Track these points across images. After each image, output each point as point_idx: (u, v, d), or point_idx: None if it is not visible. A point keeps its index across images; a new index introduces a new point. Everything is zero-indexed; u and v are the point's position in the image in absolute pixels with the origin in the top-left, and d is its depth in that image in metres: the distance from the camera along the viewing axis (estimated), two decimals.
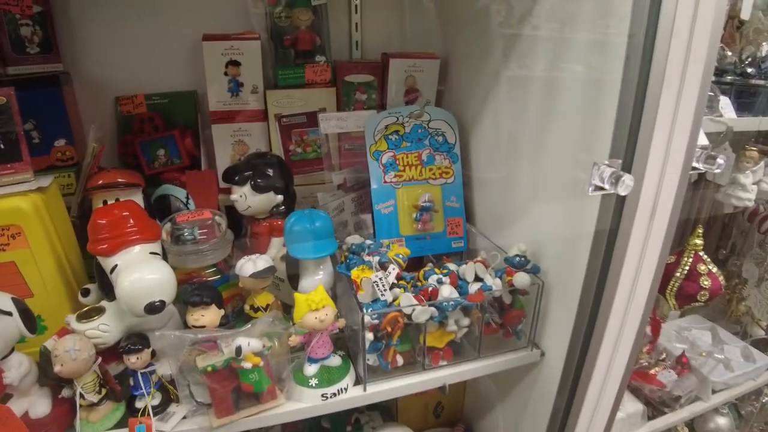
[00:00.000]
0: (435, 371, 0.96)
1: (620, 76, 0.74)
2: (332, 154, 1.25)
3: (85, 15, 1.15)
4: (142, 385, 0.82)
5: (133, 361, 0.81)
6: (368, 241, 1.06)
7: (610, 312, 0.86)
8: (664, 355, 1.35)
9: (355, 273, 0.92)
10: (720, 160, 0.76)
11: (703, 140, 0.80)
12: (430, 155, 1.18)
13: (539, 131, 0.99)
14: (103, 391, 0.82)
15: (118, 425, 0.83)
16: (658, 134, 0.74)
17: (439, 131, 1.19)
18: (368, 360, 0.91)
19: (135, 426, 0.80)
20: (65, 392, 0.81)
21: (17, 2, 1.06)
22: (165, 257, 0.88)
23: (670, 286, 1.12)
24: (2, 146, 0.87)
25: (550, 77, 0.95)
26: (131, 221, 0.84)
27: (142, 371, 0.83)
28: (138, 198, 1.02)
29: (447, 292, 0.90)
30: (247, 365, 0.79)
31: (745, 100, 1.09)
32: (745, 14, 0.94)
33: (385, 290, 0.88)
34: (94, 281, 0.94)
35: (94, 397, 0.80)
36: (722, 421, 1.49)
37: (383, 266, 0.95)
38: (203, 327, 0.84)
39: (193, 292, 0.85)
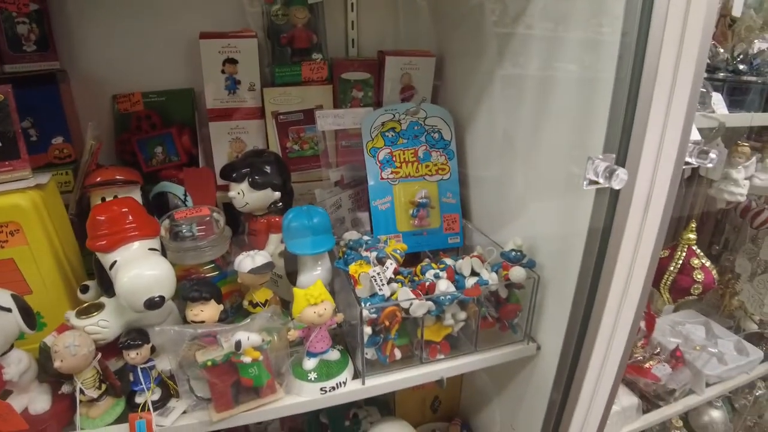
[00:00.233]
0: (432, 365, 0.97)
1: (613, 73, 0.76)
2: (329, 152, 1.26)
3: (81, 13, 1.15)
4: (141, 380, 0.83)
5: (132, 356, 0.81)
6: (365, 237, 1.07)
7: (604, 305, 0.87)
8: (658, 349, 1.37)
9: (353, 268, 0.93)
10: (712, 155, 0.78)
11: (695, 135, 0.81)
12: (426, 152, 1.19)
13: (534, 128, 1.00)
14: (103, 386, 0.82)
15: (118, 421, 0.83)
16: (651, 129, 0.75)
17: (435, 128, 1.20)
18: (366, 354, 0.92)
19: (135, 421, 0.80)
20: (65, 388, 0.81)
21: (14, 0, 1.07)
22: (164, 254, 0.88)
23: (663, 280, 1.13)
24: (0, 144, 0.87)
25: (544, 75, 0.96)
26: (130, 217, 0.84)
27: (141, 367, 0.83)
28: (136, 195, 1.02)
29: (444, 286, 0.91)
30: (247, 359, 0.80)
31: (737, 98, 1.11)
32: (736, 11, 0.95)
33: (382, 285, 0.89)
34: (93, 278, 0.95)
35: (94, 393, 0.80)
36: (716, 414, 1.51)
37: (381, 261, 0.96)
38: (203, 322, 0.84)
39: (192, 287, 0.85)
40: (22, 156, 0.90)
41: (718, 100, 0.99)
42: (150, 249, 0.84)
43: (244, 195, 1.04)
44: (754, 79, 1.07)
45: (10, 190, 0.86)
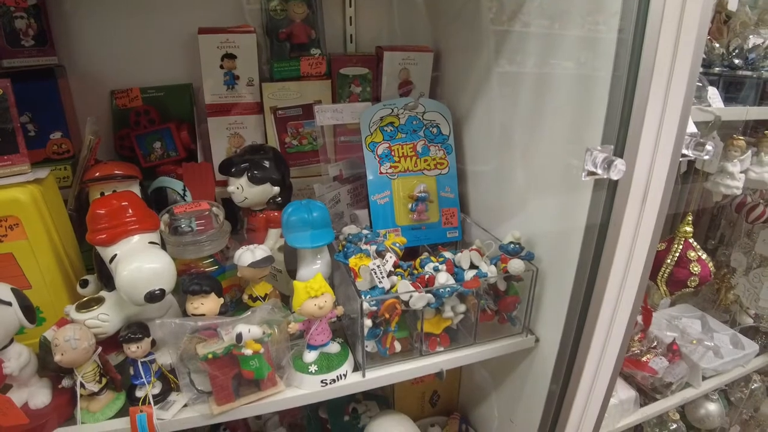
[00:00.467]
0: (432, 357, 0.97)
1: (611, 67, 0.76)
2: (328, 147, 1.26)
3: (80, 8, 1.15)
4: (142, 374, 0.83)
5: (133, 350, 0.81)
6: (365, 231, 1.07)
7: (603, 297, 0.87)
8: (655, 343, 1.37)
9: (353, 261, 0.93)
10: (708, 147, 0.78)
11: (692, 128, 0.81)
12: (424, 146, 1.19)
13: (532, 122, 1.00)
14: (104, 380, 0.82)
15: (119, 414, 0.83)
16: (648, 121, 0.76)
17: (433, 123, 1.20)
18: (367, 346, 0.92)
19: (136, 415, 0.80)
20: (65, 382, 0.81)
21: None
22: (163, 248, 0.89)
23: (661, 273, 1.14)
24: None
25: (542, 71, 0.97)
26: (130, 211, 0.84)
27: (142, 360, 0.83)
28: (135, 190, 1.02)
29: (443, 278, 0.91)
30: (248, 352, 0.80)
31: (732, 94, 1.12)
32: (732, 6, 0.96)
33: (382, 277, 0.89)
34: (92, 273, 0.95)
35: (94, 387, 0.80)
36: (712, 407, 1.52)
37: (380, 254, 0.96)
38: (203, 315, 0.84)
39: (192, 281, 0.85)
40: (21, 151, 0.90)
41: (713, 94, 1.00)
42: (150, 242, 0.85)
43: (243, 190, 1.04)
44: (749, 73, 1.08)
45: (9, 185, 0.86)
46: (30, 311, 0.79)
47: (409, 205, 1.16)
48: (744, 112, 1.03)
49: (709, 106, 0.98)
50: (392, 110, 1.17)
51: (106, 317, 0.83)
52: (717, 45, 1.13)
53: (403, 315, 0.93)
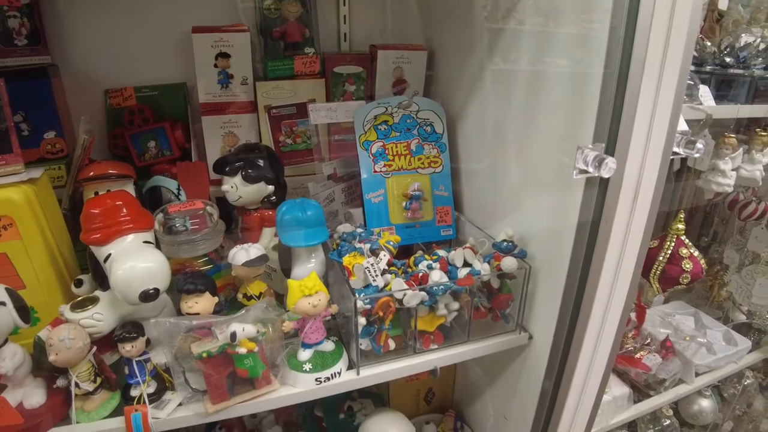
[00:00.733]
0: (426, 354, 0.98)
1: (602, 65, 0.77)
2: (322, 145, 1.26)
3: (73, 6, 1.15)
4: (137, 373, 0.83)
5: (128, 349, 0.81)
6: (359, 229, 1.07)
7: (595, 294, 0.88)
8: (648, 340, 1.39)
9: (346, 259, 0.94)
10: (699, 145, 0.79)
11: (683, 126, 0.82)
12: (418, 145, 1.20)
13: (524, 120, 1.01)
14: (98, 380, 0.82)
15: (114, 414, 0.83)
16: (639, 119, 0.77)
17: (427, 121, 1.21)
18: (361, 344, 0.92)
19: (131, 414, 0.81)
20: (60, 382, 0.81)
21: None
22: (158, 247, 0.89)
23: (653, 270, 1.15)
24: None
25: (534, 69, 0.97)
26: (124, 210, 0.84)
27: (136, 360, 0.83)
28: (129, 189, 1.03)
29: (437, 276, 0.92)
30: (242, 350, 0.80)
31: (724, 92, 1.13)
32: (722, 4, 0.97)
33: (376, 275, 0.90)
34: (86, 272, 0.95)
35: (89, 386, 0.81)
36: (705, 403, 1.53)
37: (374, 253, 0.97)
38: (197, 314, 0.84)
39: (186, 279, 0.85)
40: (15, 150, 0.90)
41: (705, 92, 1.01)
42: (144, 242, 0.84)
43: (237, 189, 1.04)
44: (740, 72, 1.09)
45: (3, 185, 0.86)
46: (24, 311, 0.79)
47: (403, 204, 1.17)
48: (735, 110, 1.04)
49: (701, 104, 0.98)
50: (386, 109, 1.17)
51: (100, 317, 0.83)
52: (709, 44, 1.13)
53: (397, 313, 0.93)
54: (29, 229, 0.88)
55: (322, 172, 1.23)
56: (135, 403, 0.82)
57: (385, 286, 0.92)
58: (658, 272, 1.14)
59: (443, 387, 1.47)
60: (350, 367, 0.94)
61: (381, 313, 0.90)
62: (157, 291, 0.79)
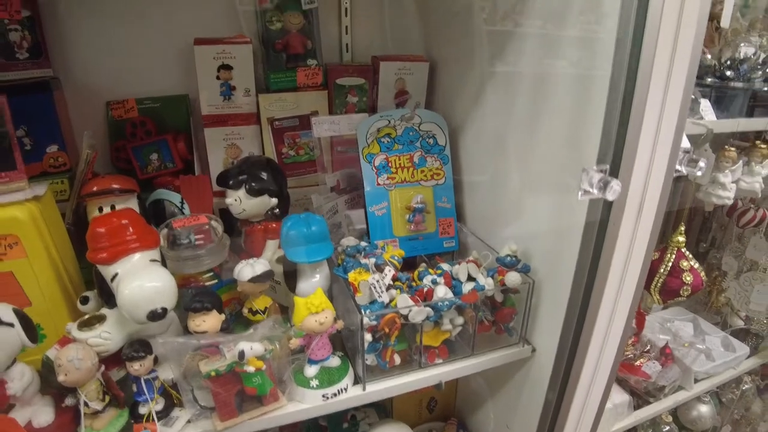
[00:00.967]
0: (431, 369, 0.99)
1: (608, 77, 0.77)
2: (324, 157, 1.26)
3: (74, 19, 1.15)
4: (145, 391, 0.83)
5: (136, 368, 0.81)
6: (363, 243, 1.08)
7: (599, 308, 0.89)
8: (648, 347, 1.40)
9: (352, 276, 0.94)
10: (701, 164, 0.80)
11: (685, 143, 0.83)
12: (421, 157, 1.20)
13: (527, 134, 1.01)
14: (107, 398, 0.82)
15: (123, 431, 0.84)
16: (643, 139, 0.77)
17: (429, 134, 1.21)
18: (367, 360, 0.93)
19: (140, 431, 0.81)
20: (69, 400, 0.81)
21: (5, 7, 1.05)
22: (163, 263, 0.89)
23: (654, 282, 1.16)
24: None
25: (537, 80, 0.98)
26: (130, 229, 0.84)
27: (145, 378, 0.84)
28: (133, 204, 1.02)
29: (442, 292, 0.93)
30: (251, 369, 0.80)
31: (723, 104, 1.13)
32: (725, 22, 0.98)
33: (382, 292, 0.90)
34: (91, 287, 0.95)
35: (98, 405, 0.81)
36: (704, 408, 1.55)
37: (379, 268, 0.97)
38: (205, 332, 0.85)
39: (194, 298, 0.85)
40: (19, 167, 0.89)
41: (706, 107, 1.01)
42: (151, 260, 0.85)
43: (241, 202, 1.04)
44: (740, 85, 1.10)
45: (8, 203, 0.86)
46: (32, 331, 0.79)
47: (407, 216, 1.17)
48: (736, 125, 1.05)
49: (702, 118, 0.99)
50: (389, 121, 1.18)
51: (108, 335, 0.83)
52: (709, 56, 1.14)
53: (402, 328, 0.94)
54: (34, 246, 0.87)
55: (325, 183, 1.23)
56: (144, 420, 0.83)
57: (391, 301, 0.92)
58: (659, 284, 1.15)
59: (446, 396, 1.48)
60: (356, 382, 0.95)
61: (387, 329, 0.91)
62: (165, 310, 0.79)
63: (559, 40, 0.91)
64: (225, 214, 1.11)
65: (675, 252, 1.15)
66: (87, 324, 0.84)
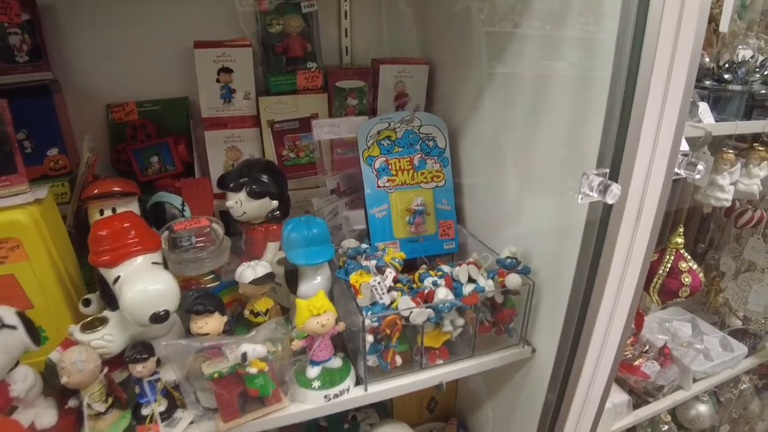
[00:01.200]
0: (432, 370, 0.99)
1: (609, 77, 0.77)
2: (324, 160, 1.27)
3: (74, 22, 1.15)
4: (148, 392, 0.84)
5: (139, 370, 0.82)
6: (364, 245, 1.08)
7: (598, 309, 0.90)
8: (647, 347, 1.41)
9: (353, 278, 0.95)
10: (700, 167, 0.81)
11: (684, 146, 0.84)
12: (421, 160, 1.21)
13: (527, 136, 1.02)
14: (110, 399, 0.82)
15: None
16: (643, 141, 0.78)
17: (429, 136, 1.22)
18: (368, 361, 0.94)
19: None
20: (72, 402, 0.81)
21: (5, 10, 1.06)
22: (166, 265, 0.89)
23: (653, 284, 1.17)
24: None
25: (537, 85, 0.98)
26: (132, 232, 0.84)
27: (147, 379, 0.84)
28: (134, 206, 1.03)
29: (443, 294, 0.93)
30: (253, 370, 0.81)
31: (721, 106, 1.14)
32: (723, 27, 0.99)
33: (383, 294, 0.91)
34: (93, 290, 0.95)
35: (101, 407, 0.81)
36: (703, 408, 1.55)
37: (380, 270, 0.98)
38: (207, 334, 0.85)
39: (195, 301, 0.86)
40: (20, 170, 0.90)
41: (704, 110, 1.02)
42: (153, 263, 0.85)
43: (242, 204, 1.05)
44: (738, 88, 1.10)
45: (10, 206, 0.86)
46: (35, 333, 0.79)
47: (407, 218, 1.18)
48: (734, 127, 1.06)
49: (700, 121, 1.00)
50: (389, 124, 1.18)
51: (111, 338, 0.83)
52: (707, 59, 1.15)
53: (403, 329, 0.94)
54: (36, 249, 0.88)
55: (325, 185, 1.24)
56: (147, 422, 0.83)
57: (392, 303, 0.93)
58: (657, 285, 1.16)
59: (446, 396, 1.49)
60: (358, 383, 0.95)
61: (388, 331, 0.91)
62: (167, 313, 0.80)
63: (558, 41, 0.91)
64: (224, 216, 1.11)
65: (674, 253, 1.16)
66: (89, 326, 0.84)
